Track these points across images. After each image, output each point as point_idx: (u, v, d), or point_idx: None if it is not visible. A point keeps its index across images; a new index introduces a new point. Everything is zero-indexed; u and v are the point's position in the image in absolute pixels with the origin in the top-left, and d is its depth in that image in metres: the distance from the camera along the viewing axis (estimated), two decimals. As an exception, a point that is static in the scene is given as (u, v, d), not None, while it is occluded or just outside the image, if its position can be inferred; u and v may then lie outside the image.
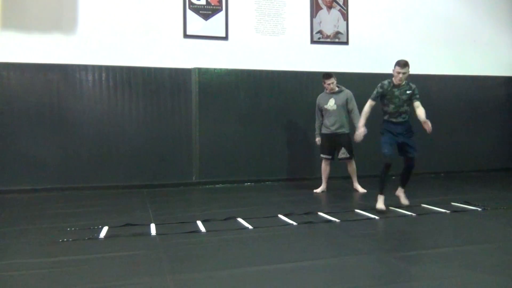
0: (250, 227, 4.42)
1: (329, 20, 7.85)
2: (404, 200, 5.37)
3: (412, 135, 5.25)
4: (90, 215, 5.04)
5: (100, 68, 6.77)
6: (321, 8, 7.83)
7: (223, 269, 3.24)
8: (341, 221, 4.65)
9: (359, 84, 7.93)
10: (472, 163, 8.51)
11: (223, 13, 7.34)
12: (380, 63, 8.09)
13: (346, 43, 7.95)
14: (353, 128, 6.11)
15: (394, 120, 5.14)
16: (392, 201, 5.72)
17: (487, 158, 8.61)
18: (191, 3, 7.19)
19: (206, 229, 4.31)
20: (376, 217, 4.76)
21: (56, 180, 6.60)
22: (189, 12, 7.19)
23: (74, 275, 3.13)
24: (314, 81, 7.72)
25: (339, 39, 7.91)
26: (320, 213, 4.96)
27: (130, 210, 5.33)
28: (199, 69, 7.17)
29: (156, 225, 4.48)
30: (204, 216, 4.82)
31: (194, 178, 7.18)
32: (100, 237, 4.09)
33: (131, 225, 4.51)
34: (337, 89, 6.44)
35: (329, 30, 7.87)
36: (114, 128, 6.83)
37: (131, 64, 6.88)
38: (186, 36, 7.20)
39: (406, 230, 4.31)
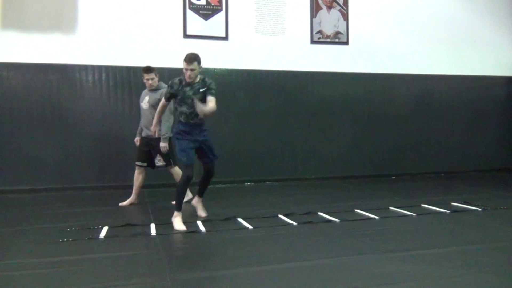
0: (250, 227, 4.42)
1: (329, 20, 7.86)
2: (201, 212, 4.85)
3: (208, 141, 4.70)
4: (90, 215, 5.04)
5: (100, 68, 6.77)
6: (321, 8, 7.83)
7: (223, 269, 3.25)
8: (341, 221, 4.65)
9: (359, 84, 7.97)
10: (472, 163, 8.52)
11: (223, 13, 7.34)
12: (380, 63, 8.12)
13: (346, 43, 7.95)
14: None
15: (191, 121, 4.53)
16: (392, 201, 5.73)
17: (487, 158, 8.62)
18: (191, 3, 7.19)
19: (206, 229, 4.31)
20: (376, 217, 4.76)
21: (56, 180, 6.60)
22: (189, 12, 7.19)
23: (74, 275, 3.13)
24: (314, 81, 7.74)
25: (339, 39, 7.92)
26: (320, 213, 4.96)
27: (130, 210, 5.33)
28: (199, 69, 7.16)
29: (156, 225, 4.48)
30: (204, 216, 4.82)
31: (194, 178, 7.16)
32: (100, 237, 4.09)
33: (131, 225, 4.51)
34: (156, 86, 5.55)
35: (329, 30, 7.87)
36: (114, 128, 6.83)
37: (131, 64, 6.88)
38: (186, 36, 7.20)
39: (406, 230, 4.30)
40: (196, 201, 4.95)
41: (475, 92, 8.63)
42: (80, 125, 6.69)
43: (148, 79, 5.53)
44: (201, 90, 4.55)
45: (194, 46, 7.20)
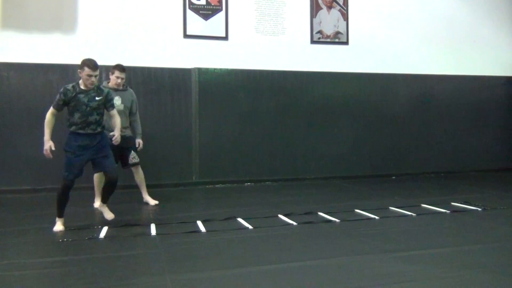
0: (250, 227, 4.42)
1: (329, 20, 7.86)
2: (108, 215, 4.67)
3: (104, 149, 4.48)
4: (90, 215, 5.05)
5: (100, 68, 6.73)
6: (321, 8, 7.83)
7: (223, 269, 3.24)
8: (341, 221, 4.65)
9: (359, 84, 7.97)
10: (472, 163, 8.52)
11: (223, 13, 7.34)
12: (380, 63, 8.12)
13: (346, 43, 7.96)
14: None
15: (81, 131, 4.35)
16: (392, 201, 5.73)
17: (487, 158, 8.62)
18: (191, 3, 7.19)
19: (206, 229, 4.31)
20: (376, 217, 4.76)
21: (56, 180, 6.52)
22: (189, 12, 7.19)
23: (74, 275, 3.13)
24: (314, 81, 7.74)
25: (339, 39, 7.92)
26: (320, 213, 4.96)
27: (130, 210, 5.33)
28: (199, 69, 7.17)
29: (156, 225, 4.48)
30: (204, 216, 4.83)
31: (194, 178, 7.19)
32: (100, 237, 4.09)
33: (131, 225, 4.52)
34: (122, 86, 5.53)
35: (329, 30, 7.87)
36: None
37: (131, 64, 6.87)
38: (186, 36, 7.20)
39: (406, 230, 4.31)
40: (100, 205, 4.75)
41: (475, 92, 8.62)
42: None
43: (122, 78, 5.44)
44: (97, 98, 4.39)
45: (194, 46, 7.24)
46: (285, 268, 3.24)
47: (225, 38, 7.36)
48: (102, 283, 2.98)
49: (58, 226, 4.34)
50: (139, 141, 5.67)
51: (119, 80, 5.43)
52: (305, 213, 4.97)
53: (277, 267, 3.27)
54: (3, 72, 6.46)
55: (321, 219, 4.74)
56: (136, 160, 5.57)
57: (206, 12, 7.26)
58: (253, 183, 7.32)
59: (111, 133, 4.65)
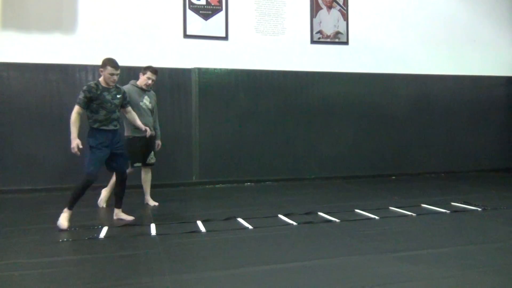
0: (250, 227, 4.42)
1: (329, 20, 7.86)
2: (128, 218, 4.76)
3: (122, 147, 4.70)
4: (90, 215, 5.05)
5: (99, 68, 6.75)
6: (321, 8, 7.83)
7: (223, 269, 3.25)
8: (341, 221, 4.65)
9: (359, 84, 7.98)
10: (472, 163, 8.52)
11: (223, 13, 7.34)
12: (380, 63, 8.12)
13: (346, 43, 7.96)
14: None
15: (106, 128, 4.50)
16: (392, 202, 5.73)
17: (487, 158, 8.62)
18: (191, 3, 7.19)
19: (206, 229, 4.31)
20: (376, 217, 4.76)
21: (56, 180, 6.59)
22: (189, 12, 7.20)
23: (74, 275, 3.14)
24: (314, 81, 7.74)
25: (339, 39, 7.92)
26: (320, 213, 4.96)
27: (130, 210, 5.33)
28: (199, 69, 7.17)
29: (156, 225, 4.48)
30: (204, 216, 4.83)
31: (194, 178, 7.18)
32: (100, 237, 4.09)
33: (131, 225, 4.52)
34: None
35: (329, 30, 7.87)
36: (114, 128, 6.83)
37: (131, 64, 6.87)
38: (186, 36, 7.20)
39: (406, 230, 4.31)
40: (117, 213, 4.79)
41: (475, 92, 8.63)
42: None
43: (152, 80, 5.54)
44: (118, 96, 4.62)
45: (194, 46, 7.24)
46: (285, 268, 3.24)
47: (225, 38, 7.36)
48: (102, 283, 2.98)
49: (63, 220, 4.34)
50: (158, 142, 5.76)
51: (149, 81, 5.50)
52: (305, 213, 4.97)
53: (277, 267, 3.27)
54: (3, 72, 6.46)
55: (321, 219, 4.74)
56: (153, 160, 5.66)
57: (206, 12, 7.26)
58: (253, 183, 7.32)
59: (146, 129, 5.02)
